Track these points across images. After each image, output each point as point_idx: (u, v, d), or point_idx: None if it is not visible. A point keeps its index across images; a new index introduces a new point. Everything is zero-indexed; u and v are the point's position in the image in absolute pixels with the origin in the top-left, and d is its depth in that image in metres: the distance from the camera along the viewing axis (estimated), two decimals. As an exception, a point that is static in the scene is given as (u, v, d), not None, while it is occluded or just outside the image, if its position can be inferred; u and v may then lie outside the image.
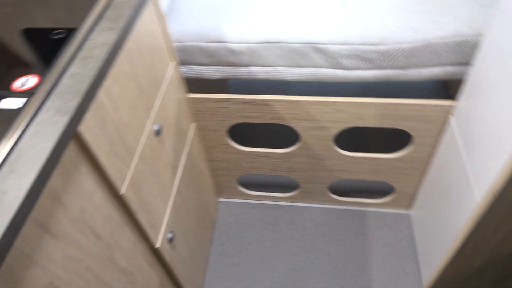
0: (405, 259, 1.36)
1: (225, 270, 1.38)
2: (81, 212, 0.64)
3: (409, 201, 1.43)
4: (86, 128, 0.63)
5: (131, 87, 0.78)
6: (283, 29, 1.05)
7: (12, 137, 0.55)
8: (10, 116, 0.58)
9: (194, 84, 1.30)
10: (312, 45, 1.05)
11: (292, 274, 1.35)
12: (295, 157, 1.30)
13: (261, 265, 1.38)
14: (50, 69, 0.65)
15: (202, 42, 1.07)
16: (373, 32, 1.03)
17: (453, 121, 1.06)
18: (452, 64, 1.05)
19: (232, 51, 1.08)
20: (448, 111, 1.07)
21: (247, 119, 1.18)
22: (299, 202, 1.53)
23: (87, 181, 0.65)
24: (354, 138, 1.69)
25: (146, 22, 0.85)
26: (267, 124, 1.75)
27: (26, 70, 0.66)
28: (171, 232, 1.00)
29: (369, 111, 1.10)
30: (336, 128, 1.17)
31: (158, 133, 0.90)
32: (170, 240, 0.99)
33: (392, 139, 1.66)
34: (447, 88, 1.80)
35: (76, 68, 0.65)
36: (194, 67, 1.13)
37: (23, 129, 0.56)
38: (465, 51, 1.02)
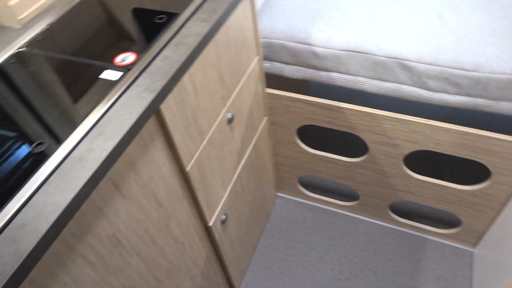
0: (458, 299, 1.28)
1: (270, 261, 1.42)
2: (149, 180, 0.72)
3: (475, 238, 1.34)
4: (167, 107, 0.70)
5: (214, 75, 0.84)
6: (371, 40, 1.04)
7: (105, 105, 0.63)
8: (108, 86, 0.67)
9: (276, 79, 1.34)
10: (399, 60, 1.02)
11: (334, 282, 1.35)
12: (360, 168, 1.28)
13: (305, 266, 1.40)
14: (147, 50, 0.73)
15: (289, 41, 1.10)
16: (468, 57, 0.97)
17: (541, 166, 0.97)
18: (554, 104, 0.96)
19: (316, 54, 1.09)
20: (537, 154, 0.98)
21: (318, 122, 1.19)
22: (356, 214, 1.51)
23: (159, 153, 0.73)
24: (426, 160, 1.60)
25: (239, 16, 0.90)
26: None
27: (128, 47, 0.75)
28: (225, 214, 1.06)
29: (448, 137, 1.05)
30: (408, 148, 1.13)
31: (230, 121, 0.96)
32: (223, 222, 1.06)
33: (468, 170, 1.55)
34: (549, 128, 1.62)
35: (169, 52, 0.72)
36: (277, 64, 1.17)
37: (115, 99, 0.64)
38: None
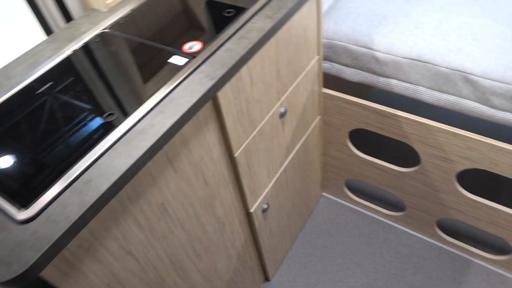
0: (498, 329, 1.21)
1: (306, 258, 1.44)
2: (199, 159, 0.78)
3: (527, 271, 1.26)
4: (224, 95, 0.76)
5: (271, 70, 0.89)
6: (436, 50, 1.02)
7: (169, 87, 0.70)
8: (174, 70, 0.74)
9: (336, 81, 1.35)
10: (463, 73, 0.99)
11: (367, 289, 1.34)
12: (409, 179, 1.26)
13: (340, 268, 1.40)
14: (213, 40, 0.79)
15: (351, 44, 1.11)
16: (540, 76, 0.92)
17: None
18: None
19: (376, 59, 1.09)
20: None
21: (371, 127, 1.19)
22: (400, 225, 1.48)
23: (211, 136, 0.79)
24: (482, 179, 1.52)
25: (303, 16, 0.93)
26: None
27: (196, 36, 0.82)
28: (267, 204, 1.11)
29: (507, 158, 1.00)
30: (463, 165, 1.10)
31: (282, 115, 1.00)
32: (264, 210, 1.10)
33: (534, 199, 1.45)
34: None
35: (232, 45, 0.78)
36: (336, 65, 1.18)
37: (178, 82, 0.71)
38: None
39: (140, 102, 0.69)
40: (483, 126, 1.68)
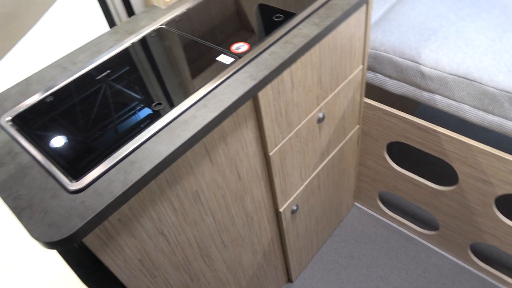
0: None
1: (331, 264, 1.45)
2: (235, 154, 0.82)
3: None
4: (264, 95, 0.80)
5: (313, 75, 0.91)
6: (485, 69, 1.00)
7: (214, 83, 0.75)
8: (220, 68, 0.79)
9: (381, 92, 1.35)
10: (511, 95, 0.97)
11: (390, 304, 1.33)
12: (445, 198, 1.24)
13: (365, 279, 1.40)
14: (259, 43, 0.83)
15: (397, 56, 1.11)
16: None
17: None
18: None
19: (422, 74, 1.08)
20: None
21: (410, 141, 1.18)
22: (431, 244, 1.45)
23: (248, 134, 0.83)
24: (532, 212, 1.45)
25: (351, 25, 0.95)
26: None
27: (245, 37, 0.87)
28: (296, 205, 1.13)
29: (551, 188, 0.96)
30: (503, 189, 1.06)
31: (320, 120, 1.02)
32: (293, 212, 1.13)
33: None
34: None
35: (276, 48, 0.81)
36: (380, 76, 1.18)
37: (223, 80, 0.76)
38: None
39: (186, 95, 0.75)
40: (533, 153, 1.60)
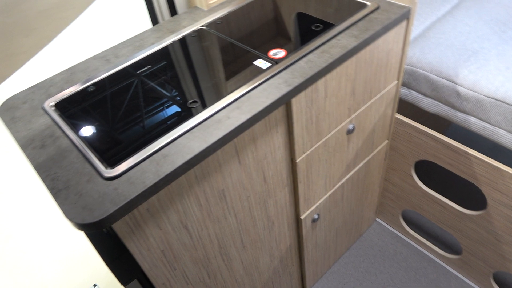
0: None
1: (346, 278, 1.44)
2: (263, 157, 0.84)
3: None
4: (297, 102, 0.81)
5: (346, 87, 0.92)
6: (525, 95, 0.97)
7: (249, 86, 0.77)
8: (256, 72, 0.81)
9: (413, 108, 1.34)
10: (551, 123, 0.94)
11: (404, 325, 1.30)
12: (471, 222, 1.21)
13: (380, 297, 1.38)
14: (297, 50, 0.84)
15: (433, 74, 1.10)
16: None
17: None
18: None
19: (458, 94, 1.07)
20: None
21: (439, 161, 1.16)
22: (453, 268, 1.41)
23: (278, 138, 0.84)
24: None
25: (389, 39, 0.95)
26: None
27: (282, 44, 0.88)
28: (318, 214, 1.13)
29: None
30: (534, 219, 1.03)
31: (350, 132, 1.02)
32: (314, 220, 1.13)
33: None
34: None
35: (313, 57, 0.82)
36: (414, 93, 1.17)
37: (258, 83, 0.77)
38: None
39: (221, 95, 0.77)
40: None
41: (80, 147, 0.71)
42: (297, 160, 0.92)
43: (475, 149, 1.68)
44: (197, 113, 0.74)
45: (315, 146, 0.94)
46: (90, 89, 0.85)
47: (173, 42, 0.94)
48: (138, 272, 0.77)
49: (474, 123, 1.08)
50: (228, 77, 0.82)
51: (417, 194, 1.32)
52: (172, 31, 0.99)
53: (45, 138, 0.75)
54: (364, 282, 1.42)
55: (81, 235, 1.79)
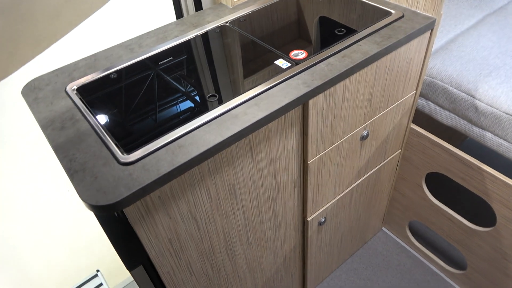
0: None
1: (347, 284, 1.44)
2: (275, 156, 0.84)
3: None
4: (314, 103, 0.81)
5: (364, 92, 0.92)
6: (544, 115, 0.96)
7: (268, 85, 0.78)
8: (277, 71, 0.82)
9: (429, 119, 1.33)
10: None
11: (402, 336, 1.30)
12: (479, 239, 1.19)
13: (380, 306, 1.37)
14: (318, 53, 0.85)
15: (453, 87, 1.09)
16: None
17: None
18: None
19: (476, 108, 1.06)
20: None
21: (451, 174, 1.15)
22: (456, 283, 1.40)
23: (292, 138, 0.85)
24: None
25: (411, 49, 0.95)
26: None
27: (304, 46, 0.89)
28: (325, 218, 1.13)
29: None
30: (543, 241, 1.02)
31: (363, 138, 1.02)
32: (320, 223, 1.13)
33: None
34: None
35: (334, 60, 0.83)
36: (432, 104, 1.17)
37: (277, 82, 0.78)
38: None
39: (239, 91, 0.78)
40: None
41: (99, 132, 0.73)
42: (309, 162, 0.92)
43: (488, 165, 1.67)
44: (215, 107, 0.75)
45: (328, 149, 0.95)
46: (112, 76, 0.86)
47: (196, 37, 0.96)
48: (144, 259, 0.78)
49: (490, 139, 1.07)
50: (248, 74, 0.83)
51: (426, 206, 1.31)
52: (196, 26, 1.00)
53: (65, 120, 0.77)
54: (365, 290, 1.42)
55: (85, 221, 1.82)
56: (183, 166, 0.66)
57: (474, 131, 1.10)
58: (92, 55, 0.94)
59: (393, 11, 0.96)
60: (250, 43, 0.92)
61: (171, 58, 0.90)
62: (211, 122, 0.72)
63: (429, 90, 1.15)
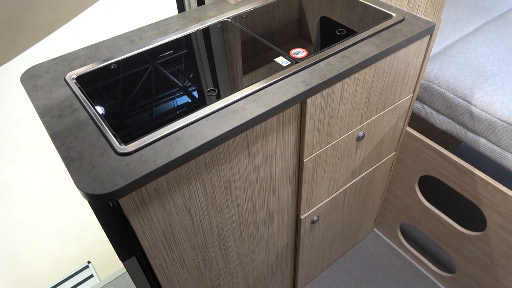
0: None
1: (337, 283, 1.45)
2: (272, 153, 0.85)
3: None
4: (312, 102, 0.82)
5: (362, 94, 0.93)
6: (538, 123, 0.98)
7: (268, 82, 0.78)
8: (276, 69, 0.82)
9: (424, 123, 1.34)
10: (560, 154, 0.94)
11: (389, 336, 1.31)
12: (468, 243, 1.21)
13: (369, 306, 1.39)
14: (318, 52, 0.85)
15: (449, 92, 1.10)
16: None
17: None
18: None
19: (471, 114, 1.07)
20: None
21: (444, 178, 1.17)
22: (444, 286, 1.42)
23: (288, 136, 0.85)
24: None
25: (410, 52, 0.96)
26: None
27: (304, 45, 0.89)
28: (318, 216, 1.14)
29: None
30: (531, 247, 1.04)
31: (359, 139, 1.03)
32: (313, 222, 1.14)
33: None
34: None
35: (333, 60, 0.83)
36: (428, 108, 1.18)
37: (276, 80, 0.79)
38: None
39: (238, 87, 0.78)
40: None
41: (97, 121, 0.73)
42: (305, 160, 0.93)
43: (481, 170, 1.69)
44: (214, 101, 0.75)
45: (324, 148, 0.96)
46: (112, 67, 0.86)
47: (197, 31, 0.96)
48: (138, 250, 0.78)
49: (483, 145, 1.08)
50: (248, 70, 0.83)
51: (418, 208, 1.33)
52: (197, 20, 1.00)
53: (63, 109, 0.77)
54: (355, 290, 1.43)
55: (78, 213, 1.81)
56: (180, 158, 0.66)
57: (469, 136, 1.11)
58: (92, 44, 0.94)
59: (393, 14, 0.96)
60: (251, 39, 0.92)
61: (171, 51, 0.90)
62: (210, 116, 0.73)
63: (425, 94, 1.17)
